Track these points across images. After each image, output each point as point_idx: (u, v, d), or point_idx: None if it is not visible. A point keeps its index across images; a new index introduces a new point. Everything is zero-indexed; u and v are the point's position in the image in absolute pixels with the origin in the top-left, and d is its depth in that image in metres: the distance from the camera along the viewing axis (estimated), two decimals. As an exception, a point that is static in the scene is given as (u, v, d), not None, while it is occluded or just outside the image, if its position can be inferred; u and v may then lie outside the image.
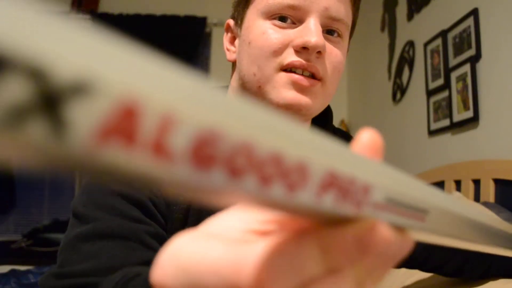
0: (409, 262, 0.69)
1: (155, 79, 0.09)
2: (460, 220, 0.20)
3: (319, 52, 0.49)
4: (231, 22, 0.57)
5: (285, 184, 0.11)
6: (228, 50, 0.57)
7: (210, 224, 0.17)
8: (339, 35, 0.52)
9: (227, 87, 0.59)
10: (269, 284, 0.13)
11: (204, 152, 0.10)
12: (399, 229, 0.16)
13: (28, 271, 1.93)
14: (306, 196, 0.12)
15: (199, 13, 2.53)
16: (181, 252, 0.16)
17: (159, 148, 0.09)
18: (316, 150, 0.12)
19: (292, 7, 0.49)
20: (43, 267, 1.98)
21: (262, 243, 0.14)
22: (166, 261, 0.16)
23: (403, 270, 0.93)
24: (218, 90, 0.10)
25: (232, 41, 0.57)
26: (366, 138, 0.16)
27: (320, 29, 0.49)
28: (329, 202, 0.13)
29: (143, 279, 0.35)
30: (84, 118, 0.08)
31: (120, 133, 0.08)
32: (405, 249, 0.16)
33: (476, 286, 0.73)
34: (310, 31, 0.48)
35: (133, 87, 0.08)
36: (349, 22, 0.53)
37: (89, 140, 0.08)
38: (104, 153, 0.08)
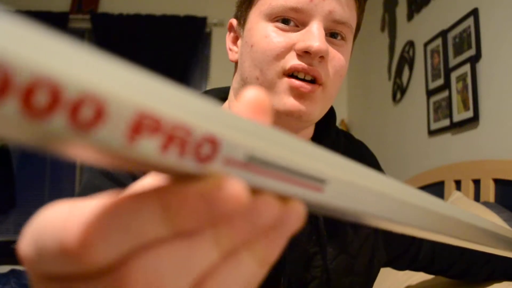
0: (414, 264, 0.69)
1: None
2: (380, 197, 0.17)
3: (321, 57, 0.48)
4: (234, 21, 0.56)
5: (68, 117, 0.10)
6: (230, 50, 0.56)
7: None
8: (342, 38, 0.51)
9: (228, 88, 0.59)
10: (96, 243, 0.13)
11: None
12: (282, 197, 0.14)
13: (28, 271, 1.93)
14: (109, 135, 0.10)
15: (199, 13, 2.53)
16: (38, 219, 0.15)
17: None
18: (123, 85, 0.10)
19: (295, 10, 0.48)
20: (43, 267, 1.98)
21: (94, 202, 0.14)
22: (27, 231, 0.16)
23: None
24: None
25: (235, 41, 0.56)
26: (248, 96, 0.15)
27: (323, 33, 0.48)
28: (149, 149, 0.11)
29: None
30: None
31: None
32: (291, 221, 0.15)
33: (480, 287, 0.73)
34: (313, 36, 0.47)
35: None
36: (354, 25, 0.52)
37: None
38: None
